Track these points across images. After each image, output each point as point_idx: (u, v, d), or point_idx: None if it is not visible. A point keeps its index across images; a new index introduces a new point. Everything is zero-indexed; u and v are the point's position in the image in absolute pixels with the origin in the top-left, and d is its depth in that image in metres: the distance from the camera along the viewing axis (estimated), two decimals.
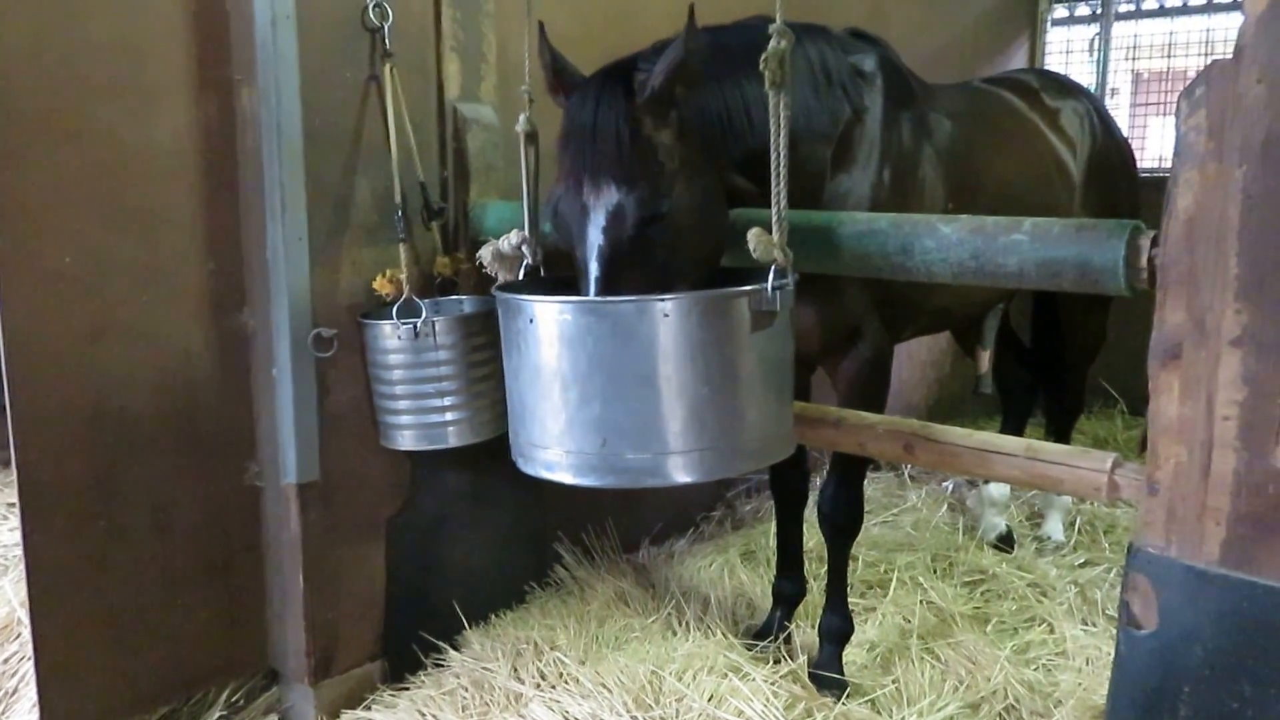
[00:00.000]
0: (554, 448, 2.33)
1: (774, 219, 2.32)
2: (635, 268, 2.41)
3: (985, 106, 4.01)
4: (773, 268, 2.32)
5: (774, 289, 2.29)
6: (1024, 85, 4.34)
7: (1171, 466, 2.00)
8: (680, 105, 2.50)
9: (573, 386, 2.27)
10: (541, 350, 2.32)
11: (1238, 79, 1.81)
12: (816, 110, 2.98)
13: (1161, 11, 7.10)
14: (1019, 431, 5.06)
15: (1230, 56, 1.83)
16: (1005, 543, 4.61)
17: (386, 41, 3.21)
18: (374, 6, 3.19)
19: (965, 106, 3.75)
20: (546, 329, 2.31)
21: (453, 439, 3.23)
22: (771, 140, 2.30)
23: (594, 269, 2.41)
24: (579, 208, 2.46)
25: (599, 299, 2.31)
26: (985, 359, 4.43)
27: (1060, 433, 4.93)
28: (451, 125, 3.50)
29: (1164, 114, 7.26)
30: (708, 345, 2.25)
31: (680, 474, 2.29)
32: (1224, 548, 1.93)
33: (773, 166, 2.30)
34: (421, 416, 3.19)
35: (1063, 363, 4.83)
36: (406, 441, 3.23)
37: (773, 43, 2.27)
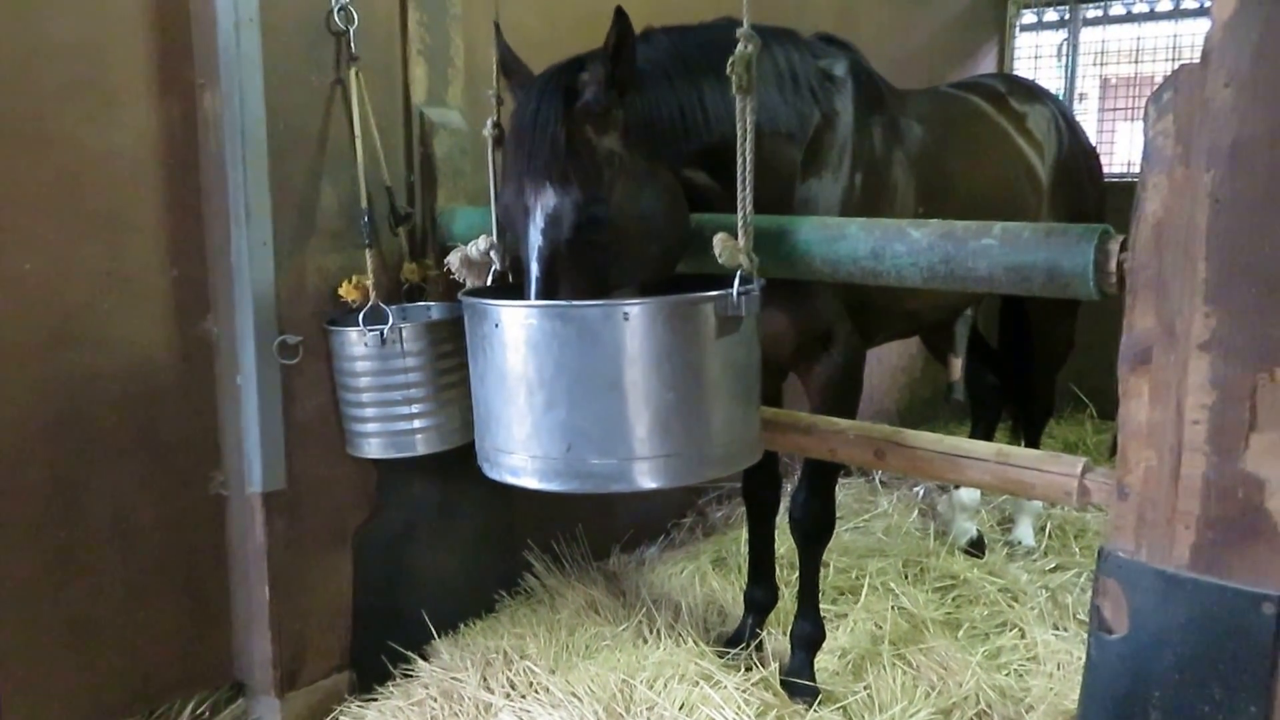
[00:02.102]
0: (519, 453, 2.31)
1: (740, 224, 2.30)
2: (576, 270, 2.40)
3: (954, 111, 4.01)
4: (738, 273, 2.30)
5: (740, 294, 2.27)
6: (992, 90, 4.35)
7: (1142, 471, 1.98)
8: (627, 105, 2.49)
9: (538, 391, 2.25)
10: (507, 355, 2.29)
11: (1205, 83, 1.79)
12: (782, 109, 2.96)
13: (1129, 17, 7.12)
14: (988, 437, 5.04)
15: (1198, 61, 1.82)
16: (976, 548, 4.60)
17: (352, 45, 3.18)
18: (339, 10, 3.16)
19: (935, 111, 3.74)
20: (512, 333, 2.28)
21: (421, 447, 3.19)
22: (738, 145, 2.28)
23: (534, 270, 2.41)
24: (521, 209, 2.46)
25: (564, 303, 2.29)
26: (957, 366, 4.43)
27: (1030, 438, 4.93)
28: (418, 129, 3.48)
29: (1132, 119, 7.31)
30: (673, 350, 2.23)
31: (646, 480, 2.27)
32: (1194, 552, 1.91)
33: (739, 172, 2.29)
34: (389, 424, 3.15)
35: (1031, 367, 4.82)
36: (374, 450, 3.20)
37: (739, 47, 2.25)
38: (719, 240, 2.29)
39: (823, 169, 3.09)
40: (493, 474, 2.43)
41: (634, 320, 2.21)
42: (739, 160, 2.28)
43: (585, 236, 2.40)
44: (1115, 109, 7.62)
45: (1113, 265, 2.07)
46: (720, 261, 2.30)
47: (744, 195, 2.29)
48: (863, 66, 3.35)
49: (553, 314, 2.24)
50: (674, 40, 2.74)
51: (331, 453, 3.29)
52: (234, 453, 3.20)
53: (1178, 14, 6.89)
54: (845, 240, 2.46)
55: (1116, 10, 7.12)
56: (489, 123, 2.84)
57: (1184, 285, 1.87)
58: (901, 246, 2.37)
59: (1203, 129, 1.80)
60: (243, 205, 3.00)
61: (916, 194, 3.35)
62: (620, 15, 2.34)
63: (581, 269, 2.41)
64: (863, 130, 3.20)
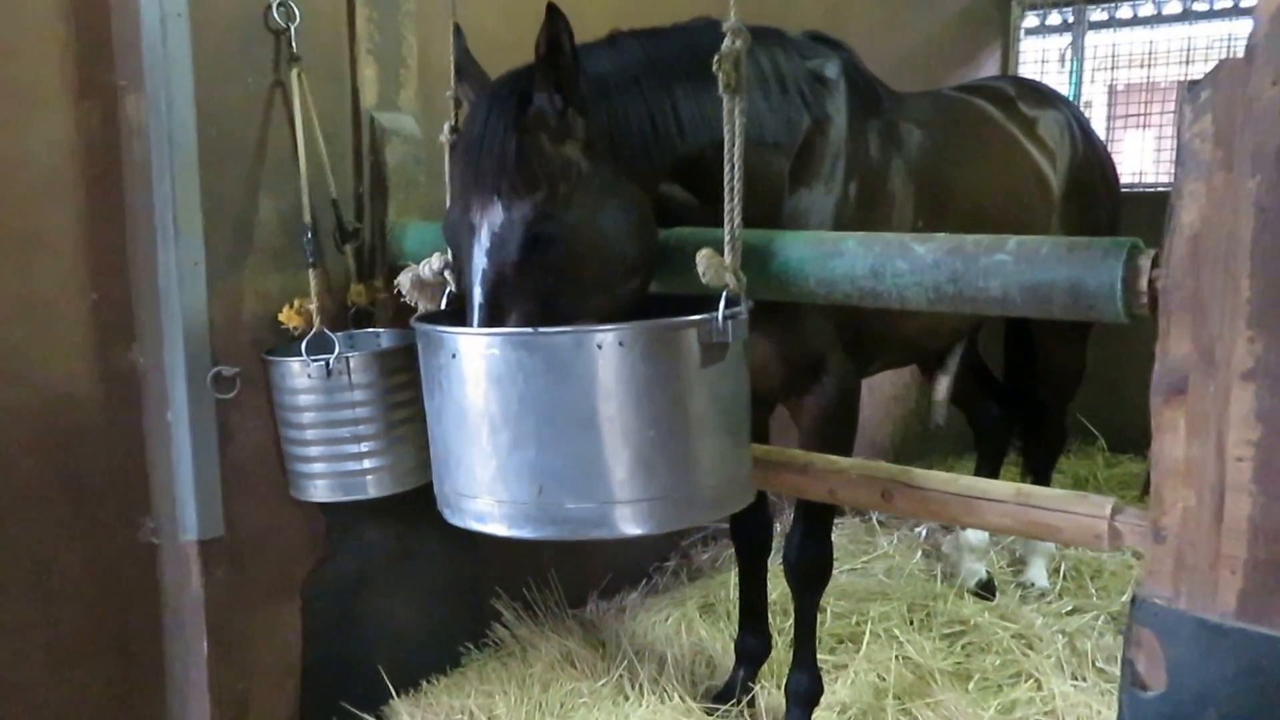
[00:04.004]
0: (484, 497, 2.20)
1: (726, 239, 2.21)
2: (526, 296, 2.30)
3: (958, 115, 3.96)
4: (724, 294, 2.19)
5: (726, 318, 2.16)
6: (999, 93, 4.29)
7: (1179, 511, 1.92)
8: (590, 113, 2.41)
9: (503, 429, 2.14)
10: (466, 389, 2.18)
11: (1250, 80, 1.73)
12: (767, 116, 2.89)
13: (1136, 20, 7.12)
14: (995, 473, 4.98)
15: (1241, 57, 1.76)
16: (986, 590, 4.53)
17: (293, 43, 3.11)
18: (278, 5, 3.10)
19: (936, 115, 3.69)
20: (471, 365, 2.17)
21: (372, 489, 3.10)
22: (725, 152, 2.19)
23: (477, 295, 2.30)
24: (467, 227, 2.35)
25: (530, 330, 2.17)
26: (943, 386, 4.27)
27: (1039, 474, 4.87)
28: (368, 136, 3.41)
29: (1144, 126, 7.32)
30: (652, 382, 2.13)
31: (628, 526, 2.16)
32: (1241, 598, 1.86)
33: (726, 181, 2.20)
34: (336, 464, 3.06)
35: (1040, 398, 4.77)
36: (320, 492, 3.10)
37: (726, 42, 2.16)
38: (703, 257, 2.19)
39: (814, 179, 3.01)
40: (456, 520, 2.32)
41: (608, 349, 2.09)
42: (726, 168, 2.19)
43: (536, 257, 2.29)
44: (1127, 115, 7.63)
45: (1143, 284, 1.99)
46: (704, 281, 2.21)
47: (731, 206, 2.20)
48: (857, 67, 3.30)
49: (517, 343, 2.13)
50: (644, 44, 2.66)
51: (275, 495, 3.20)
52: (165, 497, 3.11)
53: (1188, 16, 6.89)
54: (842, 257, 2.36)
55: (1124, 13, 7.11)
56: (445, 127, 2.74)
57: (1225, 306, 1.81)
58: (904, 264, 2.28)
59: (1246, 130, 1.74)
60: (170, 221, 2.91)
61: (916, 205, 3.29)
62: (553, 13, 2.23)
63: (532, 294, 2.30)
64: (857, 136, 3.14)
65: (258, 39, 3.08)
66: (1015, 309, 2.18)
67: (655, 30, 2.73)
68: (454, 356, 2.19)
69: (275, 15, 3.08)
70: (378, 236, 3.45)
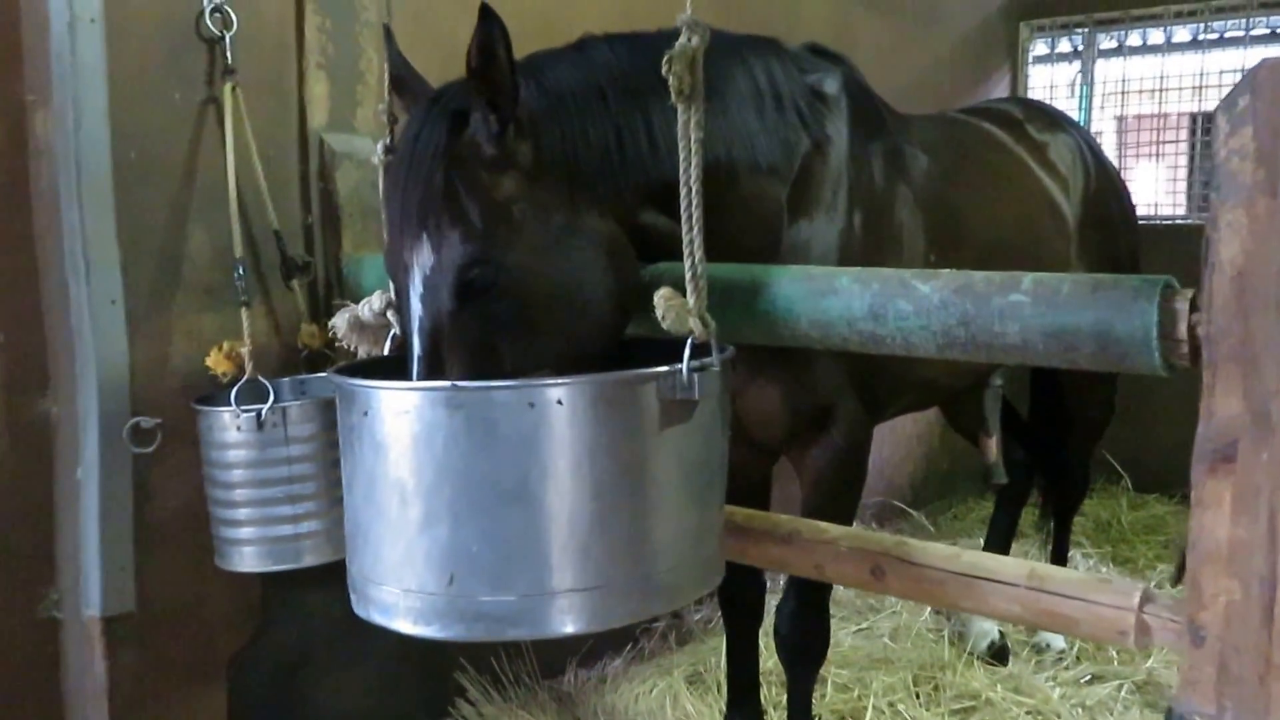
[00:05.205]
0: (389, 584, 1.82)
1: (688, 275, 1.85)
2: (467, 347, 1.98)
3: (966, 139, 3.72)
4: (689, 341, 1.83)
5: (693, 370, 1.80)
6: (1007, 116, 4.08)
7: (1221, 606, 1.67)
8: (541, 133, 2.08)
9: (414, 502, 1.76)
10: (378, 453, 1.81)
11: None
12: (761, 137, 2.57)
13: (1146, 49, 7.08)
14: (1015, 520, 4.80)
15: None
16: (998, 657, 4.23)
17: (228, 54, 2.82)
18: (212, 11, 2.79)
19: (942, 139, 3.44)
20: (385, 425, 1.80)
21: (307, 557, 2.74)
22: (680, 172, 1.85)
23: (415, 346, 2.00)
24: (401, 266, 2.04)
25: (449, 384, 1.81)
26: (993, 447, 4.23)
27: (1061, 520, 4.71)
28: (317, 160, 3.10)
29: (1158, 156, 7.21)
30: (598, 447, 1.75)
31: (561, 623, 1.77)
32: None
33: (683, 207, 1.85)
34: (266, 528, 2.70)
35: (1066, 440, 4.52)
36: (247, 561, 2.74)
37: (681, 39, 1.82)
38: (661, 298, 1.84)
39: (814, 208, 2.72)
40: (361, 611, 1.95)
41: (544, 408, 1.72)
42: (682, 192, 1.85)
43: (476, 306, 1.98)
44: (1139, 145, 7.53)
45: (1182, 330, 1.72)
46: (664, 326, 1.86)
47: (690, 237, 1.85)
48: (859, 83, 3.02)
49: (435, 399, 1.76)
50: (617, 51, 2.32)
51: (199, 562, 2.85)
52: (71, 566, 2.78)
53: (1199, 45, 6.79)
54: (835, 295, 2.06)
55: (1134, 40, 7.09)
56: (379, 146, 2.40)
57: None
58: (907, 304, 1.98)
59: None
60: (80, 253, 2.60)
61: (926, 237, 3.01)
62: (485, 14, 1.89)
63: (475, 346, 1.98)
64: (860, 160, 2.86)
65: (188, 49, 2.79)
66: (1036, 357, 1.90)
67: (632, 35, 2.39)
68: (366, 414, 1.82)
69: (209, 22, 2.79)
70: (332, 271, 3.15)
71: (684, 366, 1.80)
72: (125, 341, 2.69)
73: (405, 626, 1.81)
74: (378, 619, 1.87)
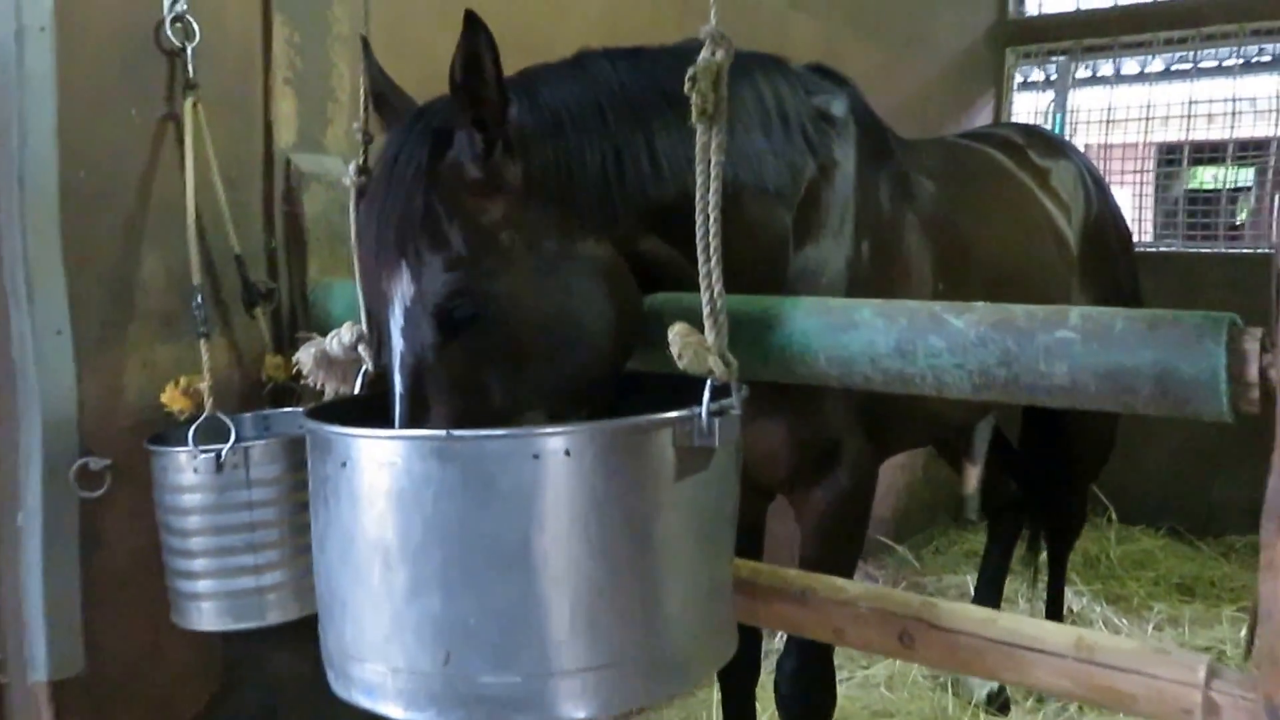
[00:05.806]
0: (373, 662, 1.60)
1: (706, 311, 1.65)
2: (453, 387, 1.81)
3: (970, 165, 3.60)
4: (709, 383, 1.63)
5: (712, 414, 1.60)
6: (1008, 141, 3.97)
7: None
8: (531, 153, 1.90)
9: (400, 566, 1.55)
10: (357, 510, 1.59)
11: None
12: (769, 159, 2.40)
13: (1119, 79, 7.10)
14: (1007, 558, 4.59)
15: None
16: (1002, 711, 4.05)
17: (190, 68, 2.61)
18: (173, 21, 2.58)
19: (947, 165, 3.31)
20: (367, 477, 1.59)
21: (271, 614, 2.48)
22: (698, 198, 1.66)
23: (397, 385, 1.83)
24: (379, 296, 1.88)
25: (443, 433, 1.60)
26: (974, 476, 3.97)
27: (1056, 558, 4.53)
28: (283, 181, 2.88)
29: (1141, 184, 7.15)
30: (608, 503, 1.54)
31: (571, 706, 1.55)
32: None
33: (699, 235, 1.66)
34: (227, 581, 2.44)
35: (1063, 474, 4.34)
36: (205, 619, 2.47)
37: (704, 53, 1.64)
38: (677, 335, 1.64)
39: (821, 234, 2.56)
40: (340, 690, 1.73)
41: (549, 459, 1.52)
42: (699, 220, 1.66)
43: (462, 340, 1.80)
44: (1122, 173, 7.40)
45: (1253, 372, 1.58)
46: (680, 366, 1.66)
47: (708, 268, 1.65)
48: (865, 106, 2.88)
49: (425, 450, 1.55)
50: (618, 66, 2.14)
51: (154, 617, 2.59)
52: (13, 624, 2.51)
53: (1169, 76, 6.90)
54: (857, 330, 1.89)
55: (1105, 71, 7.17)
56: (351, 168, 2.19)
57: None
58: (939, 340, 1.82)
59: None
60: (21, 280, 2.37)
61: (935, 266, 2.86)
62: (471, 23, 1.72)
63: (462, 386, 1.81)
64: (867, 186, 2.71)
65: (146, 61, 2.58)
66: (1086, 400, 1.74)
67: (635, 50, 2.22)
68: (344, 465, 1.61)
69: (169, 32, 2.58)
70: (298, 298, 2.94)
71: (703, 410, 1.61)
72: (73, 375, 2.47)
73: (396, 711, 1.58)
74: (362, 701, 1.65)
